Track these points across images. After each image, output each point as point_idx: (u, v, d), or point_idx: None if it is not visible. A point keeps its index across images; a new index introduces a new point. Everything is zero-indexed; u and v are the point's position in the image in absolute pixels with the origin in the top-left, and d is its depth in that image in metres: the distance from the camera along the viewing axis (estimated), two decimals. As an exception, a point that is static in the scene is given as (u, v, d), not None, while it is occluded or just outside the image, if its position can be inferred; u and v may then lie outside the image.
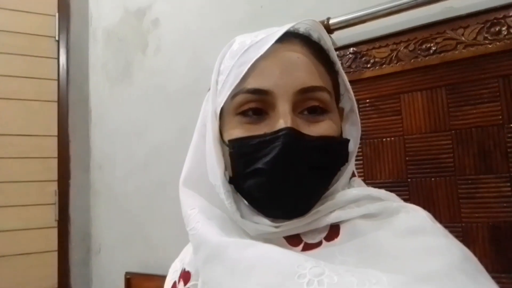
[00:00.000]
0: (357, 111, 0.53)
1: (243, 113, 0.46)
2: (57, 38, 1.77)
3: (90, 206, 1.76)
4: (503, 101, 0.81)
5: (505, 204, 0.80)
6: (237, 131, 0.46)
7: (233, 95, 0.47)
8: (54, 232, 1.68)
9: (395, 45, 0.92)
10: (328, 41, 0.51)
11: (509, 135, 0.80)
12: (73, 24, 1.80)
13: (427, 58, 0.89)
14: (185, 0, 1.48)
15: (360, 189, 0.49)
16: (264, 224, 0.45)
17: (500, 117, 0.81)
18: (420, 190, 0.90)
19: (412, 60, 0.90)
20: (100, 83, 1.77)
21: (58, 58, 1.76)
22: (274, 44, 0.46)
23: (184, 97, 1.45)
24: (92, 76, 1.81)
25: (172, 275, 0.57)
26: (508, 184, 0.80)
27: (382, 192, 0.48)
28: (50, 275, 1.65)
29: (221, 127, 0.49)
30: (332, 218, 0.45)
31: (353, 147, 0.51)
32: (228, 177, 0.48)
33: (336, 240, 0.44)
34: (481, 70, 0.83)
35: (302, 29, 0.51)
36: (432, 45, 0.88)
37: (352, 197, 0.47)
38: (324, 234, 0.45)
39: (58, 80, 1.76)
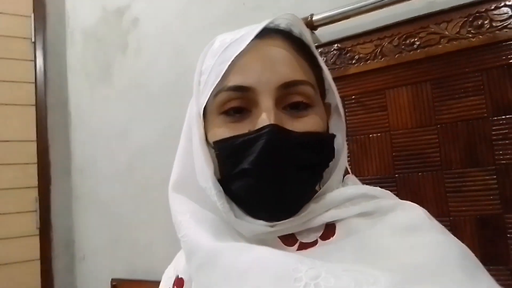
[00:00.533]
0: (340, 105, 0.51)
1: (226, 112, 0.46)
2: (33, 40, 1.71)
3: (72, 212, 1.71)
4: (487, 94, 0.81)
5: (491, 197, 0.81)
6: (221, 131, 0.45)
7: (215, 94, 0.46)
8: (36, 240, 1.63)
9: (379, 41, 0.92)
10: (309, 36, 0.51)
11: (494, 127, 0.80)
12: (50, 25, 1.75)
13: (411, 53, 0.88)
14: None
15: (355, 187, 0.48)
16: (259, 224, 0.44)
17: (485, 110, 0.81)
18: (408, 185, 0.90)
19: (396, 55, 0.90)
20: (80, 85, 1.73)
21: (35, 60, 1.71)
22: (255, 40, 0.45)
23: (166, 97, 1.42)
24: (71, 78, 1.76)
25: (166, 282, 0.55)
26: (494, 176, 0.80)
27: (377, 190, 0.47)
28: (33, 285, 1.60)
29: (206, 128, 0.48)
30: (328, 217, 0.44)
31: (341, 142, 0.50)
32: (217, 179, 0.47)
33: (332, 238, 0.43)
34: (465, 64, 0.83)
35: (283, 25, 0.50)
36: (416, 40, 0.88)
37: (348, 195, 0.46)
38: (319, 233, 0.44)
39: (36, 83, 1.70)
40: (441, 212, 0.85)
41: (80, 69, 1.72)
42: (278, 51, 0.46)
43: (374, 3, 0.91)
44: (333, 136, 0.48)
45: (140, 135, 1.49)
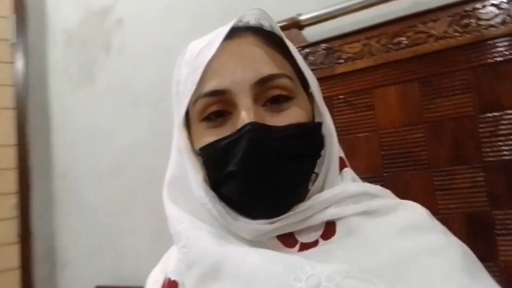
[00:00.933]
0: (318, 93, 0.50)
1: (207, 118, 0.46)
2: (13, 41, 1.66)
3: (54, 218, 1.66)
4: (474, 92, 0.82)
5: (479, 194, 0.81)
6: (204, 138, 0.45)
7: (193, 102, 0.46)
8: (16, 248, 1.57)
9: (367, 40, 0.92)
10: (279, 28, 0.50)
11: (481, 125, 0.81)
12: (31, 26, 1.70)
13: (399, 52, 0.89)
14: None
15: (356, 184, 0.47)
16: (258, 222, 0.43)
17: (472, 108, 0.82)
18: (396, 184, 0.89)
19: (384, 55, 0.90)
20: (61, 87, 1.68)
21: (15, 63, 1.66)
22: (225, 41, 0.45)
23: (151, 98, 1.40)
24: (53, 80, 1.71)
25: (152, 286, 0.53)
26: (482, 174, 0.81)
27: (378, 189, 0.47)
28: (12, 294, 1.54)
29: (192, 137, 0.48)
30: (328, 215, 0.44)
31: (330, 129, 0.48)
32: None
33: (333, 238, 0.43)
34: (452, 63, 0.84)
35: (252, 21, 0.50)
36: (403, 39, 0.88)
37: (349, 193, 0.45)
38: (320, 232, 0.44)
39: (16, 85, 1.65)
40: (430, 210, 0.83)
41: (62, 71, 1.68)
42: (250, 49, 0.46)
43: (361, 2, 0.91)
44: (319, 124, 0.47)
45: (125, 138, 1.46)
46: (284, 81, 0.45)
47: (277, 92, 0.44)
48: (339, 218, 0.44)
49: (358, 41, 0.93)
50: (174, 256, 0.52)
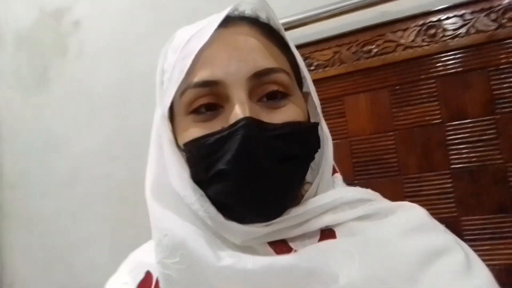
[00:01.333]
0: (315, 93, 0.48)
1: (196, 111, 0.41)
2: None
3: (0, 233, 1.52)
4: (441, 100, 0.84)
5: (447, 200, 0.83)
6: (191, 132, 0.41)
7: (181, 93, 0.42)
8: (-47, 267, 1.42)
9: (337, 48, 0.93)
10: (277, 20, 0.47)
11: (448, 133, 0.83)
12: (-24, 26, 1.57)
13: (369, 60, 0.90)
14: (110, 0, 1.37)
15: (352, 190, 0.45)
16: (252, 225, 0.40)
17: (439, 116, 0.84)
18: (367, 191, 0.89)
19: (354, 62, 0.91)
20: (11, 92, 1.56)
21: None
22: (218, 29, 0.42)
23: (110, 104, 1.33)
24: (1, 85, 1.59)
25: None
26: (450, 180, 0.83)
27: (370, 193, 0.45)
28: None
29: (174, 131, 0.44)
30: (326, 221, 0.41)
31: (325, 131, 0.46)
32: None
33: (334, 240, 0.40)
34: (420, 71, 0.86)
35: (248, 11, 0.46)
36: (373, 47, 0.89)
37: (347, 199, 0.43)
38: (315, 239, 0.41)
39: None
40: (401, 217, 0.86)
41: (11, 75, 1.56)
42: (246, 39, 0.42)
43: (332, 10, 0.91)
44: (315, 124, 0.44)
45: (81, 145, 1.37)
46: (282, 77, 0.42)
47: (274, 87, 0.41)
48: (337, 224, 0.41)
49: (329, 48, 0.93)
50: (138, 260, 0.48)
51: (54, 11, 1.48)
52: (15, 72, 1.55)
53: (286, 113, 0.41)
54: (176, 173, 0.42)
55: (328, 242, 0.39)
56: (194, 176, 0.42)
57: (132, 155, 1.28)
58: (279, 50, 0.44)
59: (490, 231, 0.77)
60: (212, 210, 0.40)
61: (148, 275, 0.46)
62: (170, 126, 0.44)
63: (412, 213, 0.43)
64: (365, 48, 0.90)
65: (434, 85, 0.84)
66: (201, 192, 0.41)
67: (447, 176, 0.83)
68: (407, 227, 0.40)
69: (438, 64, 0.84)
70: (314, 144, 0.44)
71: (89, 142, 1.36)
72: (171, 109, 0.45)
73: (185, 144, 0.41)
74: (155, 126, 0.47)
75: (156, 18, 1.27)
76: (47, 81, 1.47)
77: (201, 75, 0.41)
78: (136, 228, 1.24)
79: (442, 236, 0.40)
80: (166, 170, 0.43)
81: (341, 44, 0.92)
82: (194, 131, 0.41)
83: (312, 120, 0.47)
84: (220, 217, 0.40)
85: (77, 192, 1.36)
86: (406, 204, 0.45)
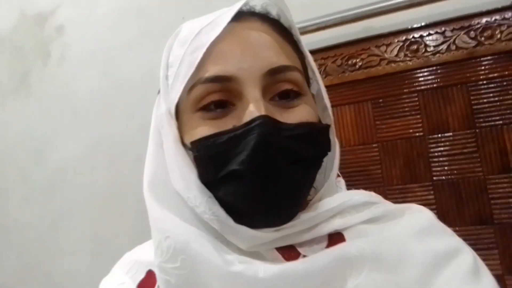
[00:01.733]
0: (326, 95, 0.46)
1: (205, 108, 0.39)
2: None
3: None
4: (423, 113, 0.86)
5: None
6: (200, 131, 0.39)
7: (189, 88, 0.40)
8: None
9: (323, 60, 0.94)
10: (290, 17, 0.45)
11: (431, 146, 0.85)
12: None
13: (353, 73, 0.92)
14: (95, 6, 1.36)
15: (359, 193, 0.44)
16: (262, 230, 0.38)
17: (421, 128, 0.86)
18: (351, 202, 0.91)
19: (339, 75, 0.93)
20: (-11, 96, 1.52)
21: None
22: (230, 23, 0.40)
23: (93, 111, 1.31)
24: (-22, 89, 1.54)
25: None
26: (432, 192, 0.85)
27: (373, 195, 0.44)
28: None
29: (180, 129, 0.42)
30: (335, 225, 0.40)
31: (335, 134, 0.45)
32: None
33: (344, 243, 0.39)
34: (403, 85, 0.88)
35: (258, 7, 0.45)
36: (358, 60, 0.91)
37: (355, 202, 0.41)
38: (323, 245, 0.40)
39: None
40: (384, 227, 0.87)
41: (-10, 79, 1.52)
42: (259, 35, 0.41)
43: (317, 24, 0.93)
44: (328, 126, 0.43)
45: (61, 153, 1.34)
46: (296, 75, 0.40)
47: (287, 86, 0.40)
48: (345, 228, 0.41)
49: (315, 60, 0.94)
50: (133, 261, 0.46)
51: (36, 15, 1.45)
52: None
53: (300, 113, 0.40)
54: (180, 173, 0.40)
55: (339, 247, 0.38)
56: (202, 176, 0.40)
57: (113, 163, 1.26)
58: (291, 47, 0.43)
59: (472, 241, 0.79)
60: (222, 213, 0.38)
61: (150, 274, 0.44)
62: (175, 123, 0.42)
63: (420, 215, 0.42)
64: (350, 62, 0.92)
65: (416, 98, 0.87)
66: (209, 193, 0.39)
67: (430, 188, 0.85)
68: (416, 229, 0.40)
69: (420, 79, 0.87)
70: (326, 146, 0.42)
71: (70, 149, 1.33)
72: (176, 105, 0.42)
73: (193, 143, 0.39)
74: (154, 124, 0.45)
75: (140, 25, 1.26)
76: (28, 86, 1.44)
77: (213, 70, 0.39)
78: (118, 238, 1.22)
79: (452, 238, 0.40)
80: (166, 170, 0.42)
81: (327, 56, 0.94)
82: (203, 129, 0.39)
83: (327, 121, 0.46)
84: (229, 220, 0.38)
85: (56, 201, 1.33)
86: (413, 206, 0.44)
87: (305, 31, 0.94)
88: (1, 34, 1.52)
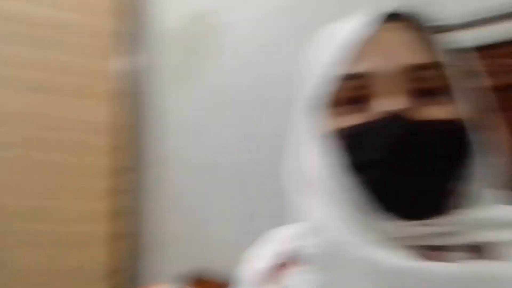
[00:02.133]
0: (485, 94, 0.44)
1: (342, 102, 0.42)
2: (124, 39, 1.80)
3: (155, 201, 1.76)
4: None
5: None
6: (341, 121, 0.42)
7: (328, 84, 0.43)
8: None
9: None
10: (432, 16, 0.45)
11: None
12: (134, 26, 1.83)
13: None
14: (254, 6, 1.49)
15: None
16: (407, 223, 0.38)
17: None
18: None
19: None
20: (161, 85, 1.81)
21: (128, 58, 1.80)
22: (371, 25, 0.42)
23: (246, 103, 1.47)
24: (159, 79, 1.83)
25: (270, 258, 0.49)
26: None
27: None
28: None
29: (320, 121, 0.45)
30: (482, 236, 0.38)
31: (485, 138, 0.42)
32: None
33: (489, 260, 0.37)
34: None
35: (400, 8, 0.46)
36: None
37: (508, 219, 0.39)
38: (465, 254, 0.38)
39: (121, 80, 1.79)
40: None
41: (163, 69, 1.80)
42: (399, 34, 0.42)
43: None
44: (475, 127, 0.41)
45: (221, 133, 1.53)
46: (437, 73, 0.41)
47: (428, 83, 0.41)
48: (487, 243, 0.38)
49: (486, 58, 0.91)
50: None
51: (201, 14, 1.66)
52: (168, 67, 1.78)
53: (440, 111, 0.40)
54: (320, 162, 0.43)
55: (490, 263, 0.37)
56: (345, 164, 0.41)
57: (265, 149, 1.37)
58: (433, 47, 0.43)
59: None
60: (366, 200, 0.39)
61: (286, 261, 0.46)
62: (313, 116, 0.44)
63: None
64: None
65: None
66: (352, 178, 0.40)
67: None
68: None
69: None
70: (466, 147, 0.40)
71: (229, 131, 1.51)
72: (315, 100, 0.45)
73: (336, 131, 0.42)
74: (294, 117, 0.48)
75: (293, 23, 1.35)
76: (190, 78, 1.66)
77: (351, 68, 0.41)
78: (271, 217, 1.34)
79: None
80: (307, 158, 0.44)
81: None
82: (339, 121, 0.42)
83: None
84: (374, 208, 0.39)
85: (217, 175, 1.52)
86: None
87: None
88: (173, 32, 1.77)
